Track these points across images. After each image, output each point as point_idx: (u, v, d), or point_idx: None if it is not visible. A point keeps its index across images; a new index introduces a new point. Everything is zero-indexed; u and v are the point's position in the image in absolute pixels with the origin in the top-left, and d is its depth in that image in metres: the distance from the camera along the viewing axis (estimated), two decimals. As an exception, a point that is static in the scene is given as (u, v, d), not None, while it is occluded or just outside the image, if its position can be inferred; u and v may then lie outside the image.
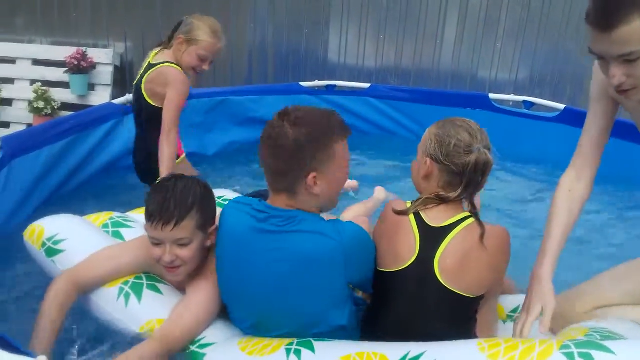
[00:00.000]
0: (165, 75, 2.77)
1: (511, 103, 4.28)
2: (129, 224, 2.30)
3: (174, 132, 2.76)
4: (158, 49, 2.89)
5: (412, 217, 1.76)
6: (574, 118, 3.88)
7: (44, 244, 2.09)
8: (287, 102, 4.52)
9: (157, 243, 1.80)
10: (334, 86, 4.38)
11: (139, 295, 1.90)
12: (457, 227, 1.72)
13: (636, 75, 1.40)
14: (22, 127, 4.79)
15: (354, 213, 2.65)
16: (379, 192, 3.06)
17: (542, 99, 4.22)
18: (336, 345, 1.67)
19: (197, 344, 1.79)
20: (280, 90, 4.21)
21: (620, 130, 3.03)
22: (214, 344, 1.78)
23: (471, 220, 1.73)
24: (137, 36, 5.16)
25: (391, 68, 4.99)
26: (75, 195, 3.08)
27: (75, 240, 2.08)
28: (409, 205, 1.79)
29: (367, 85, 4.31)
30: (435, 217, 1.74)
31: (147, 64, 2.87)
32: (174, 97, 2.75)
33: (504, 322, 1.98)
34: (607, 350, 1.35)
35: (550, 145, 3.88)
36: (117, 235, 2.22)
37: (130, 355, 1.72)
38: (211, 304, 1.86)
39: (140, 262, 1.95)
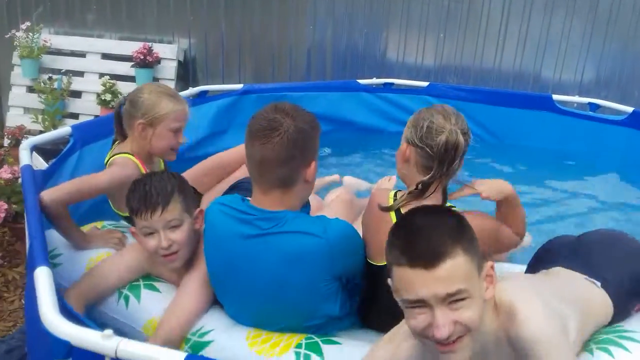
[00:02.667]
0: (112, 164, 2.32)
1: (576, 105, 4.15)
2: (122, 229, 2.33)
3: (52, 199, 2.06)
4: (111, 149, 2.46)
5: (392, 212, 1.79)
6: (644, 122, 3.74)
7: None
8: (344, 99, 4.57)
9: (150, 232, 1.87)
10: (392, 84, 4.36)
11: (137, 296, 1.97)
12: None
13: (465, 321, 1.26)
14: (90, 118, 4.99)
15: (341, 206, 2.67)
16: (349, 180, 3.13)
17: (608, 101, 4.07)
18: (345, 351, 1.69)
19: (197, 334, 1.83)
20: (338, 87, 4.22)
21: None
22: (212, 330, 1.82)
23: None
24: (201, 33, 5.29)
25: (451, 67, 4.93)
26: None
27: (70, 254, 2.13)
28: (391, 198, 1.83)
29: (425, 83, 4.27)
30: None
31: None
32: (104, 175, 2.25)
33: None
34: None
35: (616, 149, 3.74)
36: None
37: None
38: (204, 291, 1.90)
39: (139, 264, 2.00)
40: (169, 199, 1.86)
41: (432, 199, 1.80)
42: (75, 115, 5.21)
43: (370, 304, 1.90)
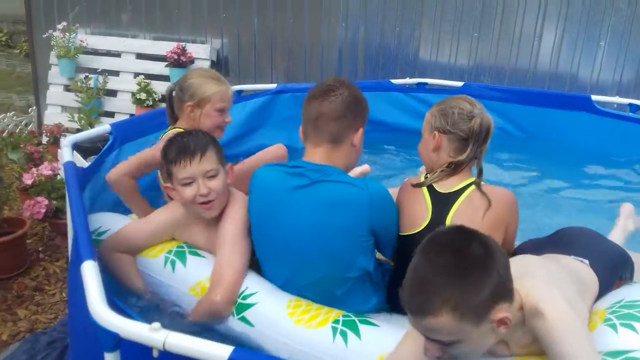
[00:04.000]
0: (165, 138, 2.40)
1: (615, 106, 4.06)
2: None
3: (117, 176, 2.37)
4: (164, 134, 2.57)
5: (424, 188, 1.97)
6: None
7: None
8: (377, 99, 4.55)
9: (188, 182, 2.00)
10: (425, 84, 4.32)
11: (183, 261, 2.06)
12: (466, 191, 1.93)
13: (452, 354, 1.34)
14: (126, 117, 5.07)
15: None
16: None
17: (650, 102, 3.98)
18: (382, 332, 1.75)
19: (242, 295, 1.92)
20: (371, 87, 4.19)
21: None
22: (256, 293, 1.91)
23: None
24: (233, 33, 5.33)
25: (485, 67, 4.87)
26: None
27: (116, 228, 2.22)
28: (422, 177, 2.02)
29: (460, 83, 4.23)
30: (445, 185, 1.95)
31: None
32: (157, 145, 2.39)
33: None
34: None
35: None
36: None
37: (199, 310, 1.89)
38: (245, 241, 2.02)
39: (167, 226, 2.14)
40: (205, 149, 2.00)
41: (464, 175, 1.97)
42: (111, 114, 5.30)
43: (401, 275, 1.94)
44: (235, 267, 1.96)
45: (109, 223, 2.28)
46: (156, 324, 1.33)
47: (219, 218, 2.07)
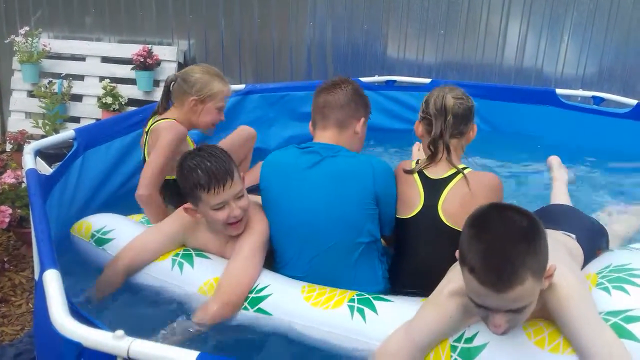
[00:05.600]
0: (157, 130, 2.53)
1: (579, 99, 4.13)
2: None
3: (151, 190, 2.44)
4: (152, 118, 2.68)
5: (415, 174, 2.15)
6: (648, 114, 3.72)
7: (92, 235, 2.33)
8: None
9: (220, 207, 2.01)
10: (394, 81, 4.34)
11: (191, 263, 2.13)
12: (455, 177, 2.10)
13: (516, 320, 1.48)
14: (91, 122, 4.98)
15: None
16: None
17: (612, 94, 4.06)
18: (397, 307, 1.88)
19: (254, 290, 2.00)
20: (340, 86, 4.19)
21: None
22: (268, 285, 2.01)
23: (467, 170, 2.11)
24: (200, 34, 5.28)
25: (452, 63, 4.91)
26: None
27: (121, 230, 2.32)
28: (414, 163, 2.20)
29: (427, 80, 4.25)
30: (435, 172, 2.13)
31: (144, 136, 2.66)
32: (162, 143, 2.46)
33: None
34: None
35: (622, 142, 3.72)
36: None
37: (202, 318, 1.94)
38: (258, 255, 2.08)
39: (177, 235, 2.19)
40: (233, 172, 2.02)
41: (446, 160, 2.12)
42: (76, 119, 5.20)
43: (400, 257, 2.21)
44: (249, 274, 2.04)
45: (112, 223, 2.36)
46: (119, 332, 1.31)
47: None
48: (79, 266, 2.29)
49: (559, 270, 1.53)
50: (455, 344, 1.64)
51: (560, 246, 1.84)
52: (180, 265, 2.12)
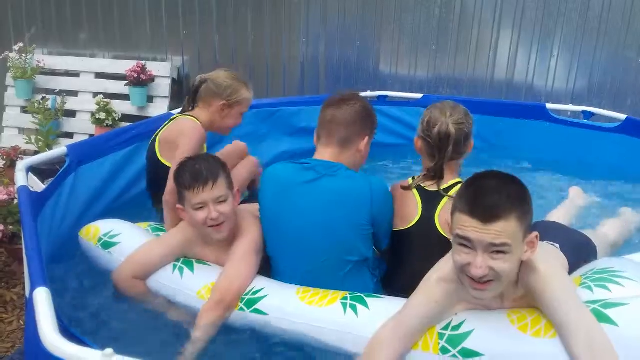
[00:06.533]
0: (182, 125, 2.66)
1: (569, 113, 4.17)
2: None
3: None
4: (178, 114, 2.80)
5: (414, 189, 2.18)
6: (637, 128, 3.76)
7: (100, 239, 2.44)
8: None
9: (200, 207, 2.13)
10: (386, 97, 4.37)
11: (191, 268, 2.23)
12: (453, 189, 2.12)
13: (498, 269, 1.57)
14: (85, 138, 4.99)
15: None
16: None
17: (601, 109, 4.10)
18: (388, 302, 1.95)
19: (250, 292, 2.09)
20: (332, 101, 4.22)
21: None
22: (264, 288, 2.09)
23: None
24: (194, 50, 5.32)
25: (444, 79, 4.96)
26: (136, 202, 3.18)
27: (127, 234, 2.43)
28: (410, 180, 2.23)
29: (419, 95, 4.29)
30: (433, 184, 2.16)
31: (165, 123, 2.77)
32: (186, 148, 2.54)
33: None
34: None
35: (611, 156, 3.76)
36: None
37: (199, 323, 2.04)
38: (253, 258, 2.17)
39: (178, 247, 2.28)
40: (217, 176, 2.14)
41: (450, 178, 2.17)
42: (70, 135, 5.20)
43: (395, 268, 2.25)
44: (242, 275, 2.13)
45: (119, 228, 2.46)
46: (108, 350, 1.30)
47: (229, 239, 2.22)
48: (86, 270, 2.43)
49: (541, 256, 1.68)
50: (443, 331, 1.75)
51: (553, 254, 1.97)
52: (181, 270, 2.23)
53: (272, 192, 2.21)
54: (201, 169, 2.13)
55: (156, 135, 2.76)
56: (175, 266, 2.24)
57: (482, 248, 1.56)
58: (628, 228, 2.89)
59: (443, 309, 1.77)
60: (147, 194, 2.95)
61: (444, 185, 2.16)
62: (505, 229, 1.53)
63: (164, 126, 2.75)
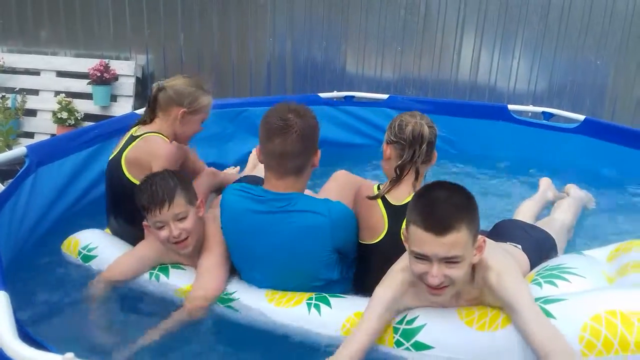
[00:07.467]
0: (152, 145, 2.47)
1: (530, 114, 4.27)
2: None
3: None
4: (137, 126, 2.60)
5: (379, 200, 2.16)
6: (595, 129, 3.87)
7: (79, 252, 2.46)
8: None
9: (161, 226, 2.16)
10: (352, 97, 4.40)
11: (166, 274, 2.29)
12: None
13: (453, 276, 1.68)
14: (46, 137, 4.88)
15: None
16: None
17: (561, 110, 4.21)
18: (348, 301, 2.05)
19: (224, 293, 2.17)
20: (299, 101, 4.21)
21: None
22: (236, 291, 2.16)
23: None
24: (158, 49, 5.26)
25: (409, 79, 5.02)
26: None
27: (105, 246, 2.46)
28: (375, 189, 2.19)
29: (385, 96, 4.32)
30: (397, 197, 2.14)
31: (127, 138, 2.57)
32: (167, 165, 2.40)
33: None
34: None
35: (570, 156, 3.86)
36: None
37: (169, 322, 2.08)
38: (221, 268, 2.21)
39: (151, 257, 2.31)
40: (173, 195, 2.14)
41: (410, 184, 2.15)
42: (30, 135, 5.09)
43: (362, 275, 2.25)
44: (215, 281, 2.18)
45: (97, 240, 2.49)
46: (69, 354, 1.29)
47: (197, 247, 2.25)
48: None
49: (495, 257, 1.81)
50: (398, 325, 1.87)
51: (508, 254, 2.02)
52: (157, 277, 2.29)
53: (230, 221, 2.18)
54: (157, 189, 2.13)
55: (120, 154, 2.53)
56: (152, 274, 2.30)
57: (437, 260, 1.66)
58: (576, 205, 3.05)
59: (403, 294, 1.87)
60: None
61: (408, 198, 2.10)
62: (457, 239, 1.63)
63: (130, 145, 2.53)
